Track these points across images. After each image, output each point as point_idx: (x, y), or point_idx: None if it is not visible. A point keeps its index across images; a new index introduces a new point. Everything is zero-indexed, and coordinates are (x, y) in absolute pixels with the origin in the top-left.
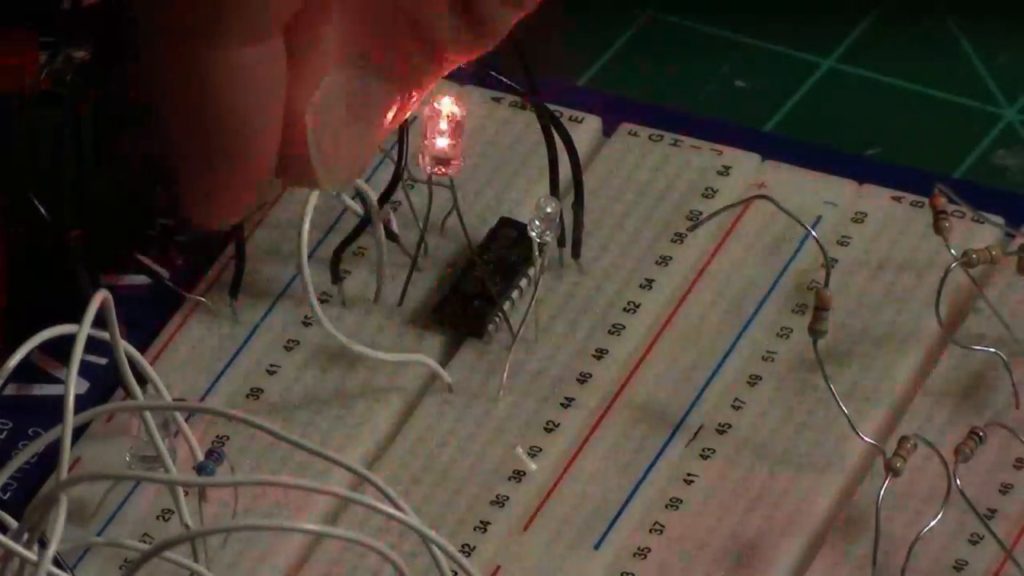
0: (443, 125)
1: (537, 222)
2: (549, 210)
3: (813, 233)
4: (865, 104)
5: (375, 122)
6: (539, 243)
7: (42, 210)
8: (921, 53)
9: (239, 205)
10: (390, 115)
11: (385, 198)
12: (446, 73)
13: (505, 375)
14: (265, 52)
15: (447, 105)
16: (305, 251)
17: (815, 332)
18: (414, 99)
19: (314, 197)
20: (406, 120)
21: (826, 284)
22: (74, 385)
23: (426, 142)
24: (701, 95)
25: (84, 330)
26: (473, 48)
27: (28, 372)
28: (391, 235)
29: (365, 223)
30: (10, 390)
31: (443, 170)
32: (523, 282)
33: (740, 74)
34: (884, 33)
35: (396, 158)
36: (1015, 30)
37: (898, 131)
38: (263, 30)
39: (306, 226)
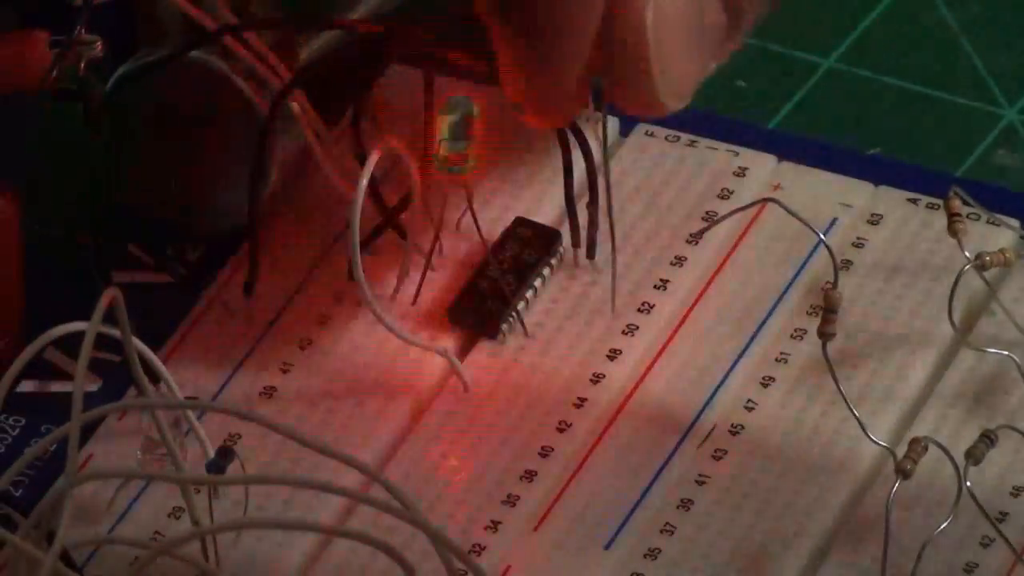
0: (458, 124)
1: None
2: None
3: (821, 237)
4: (865, 104)
5: (710, 46)
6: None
7: (54, 208)
8: (921, 53)
9: (565, 96)
10: (722, 45)
11: (407, 199)
12: (776, 8)
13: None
14: None
15: (463, 103)
16: (359, 204)
17: (824, 335)
18: (743, 31)
19: (379, 148)
20: (431, 119)
21: (835, 286)
22: (83, 382)
23: (441, 140)
24: (702, 95)
25: (93, 328)
26: None
27: (42, 369)
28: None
29: (386, 223)
30: (24, 387)
31: (459, 168)
32: (538, 282)
33: (740, 74)
34: (884, 33)
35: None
36: (1015, 30)
37: (898, 131)
38: None
39: (365, 180)
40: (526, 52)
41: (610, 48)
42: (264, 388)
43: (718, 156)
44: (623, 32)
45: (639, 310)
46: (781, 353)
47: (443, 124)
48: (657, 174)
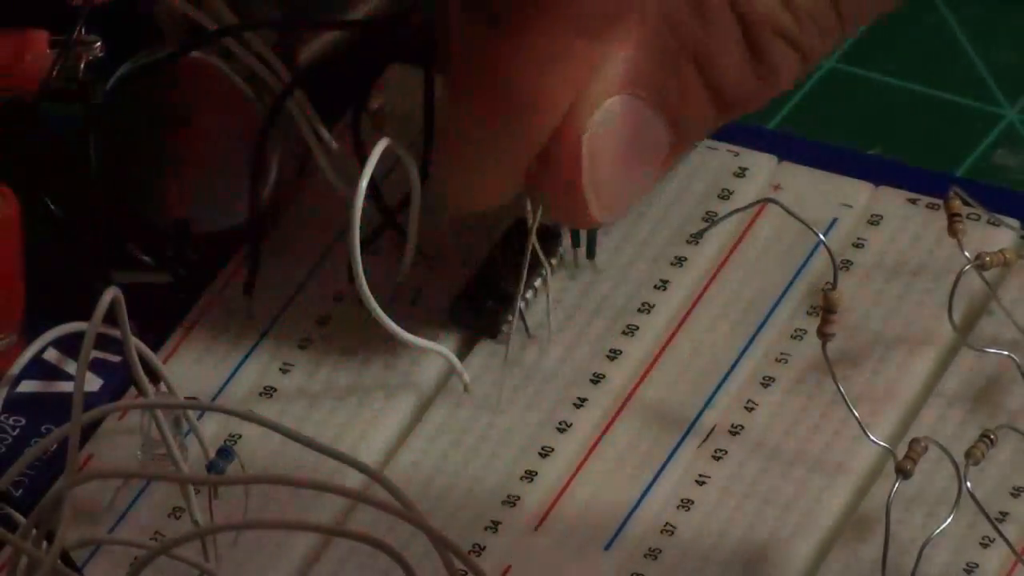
0: None
1: None
2: None
3: (821, 237)
4: (865, 104)
5: (652, 162)
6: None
7: (53, 208)
8: (921, 53)
9: (499, 188)
10: (666, 159)
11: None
12: (725, 122)
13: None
14: (578, 48)
15: None
16: (359, 204)
17: (823, 335)
18: (689, 147)
19: (379, 147)
20: (431, 119)
21: (834, 287)
22: (83, 382)
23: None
24: None
25: (93, 328)
26: (757, 95)
27: (43, 370)
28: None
29: (386, 223)
30: (26, 387)
31: None
32: (537, 282)
33: None
34: (884, 33)
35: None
36: (1015, 30)
37: (898, 131)
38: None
39: (365, 180)
40: (476, 133)
41: (546, 162)
42: (264, 388)
43: (718, 156)
44: (558, 152)
45: (639, 310)
46: (781, 353)
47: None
48: None
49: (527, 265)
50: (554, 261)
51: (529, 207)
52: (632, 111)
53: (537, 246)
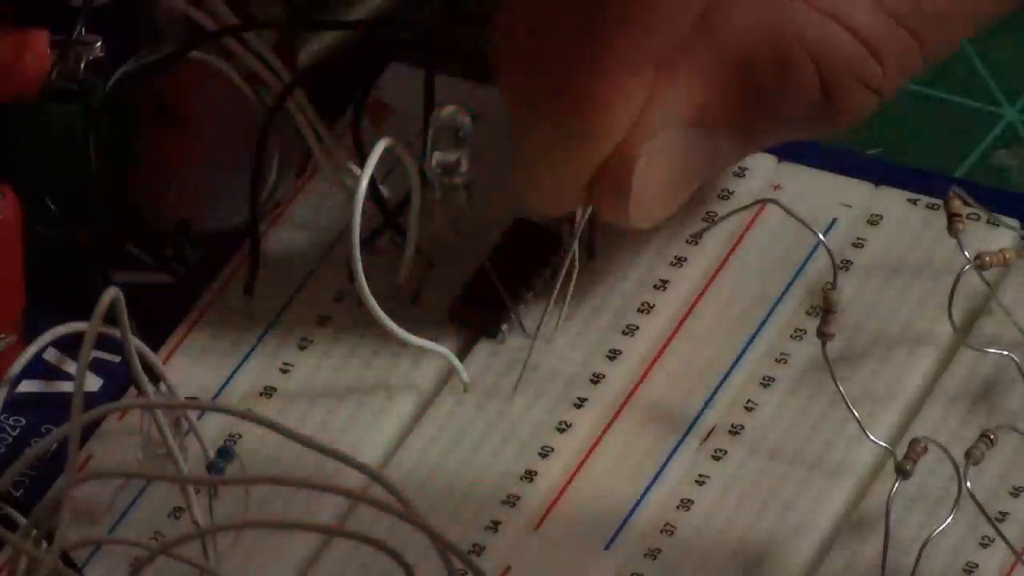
0: (450, 134)
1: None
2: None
3: (821, 238)
4: None
5: (703, 176)
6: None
7: (53, 208)
8: None
9: (564, 195)
10: (718, 174)
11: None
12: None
13: (520, 374)
14: (637, 82)
15: (453, 115)
16: (360, 204)
17: (823, 335)
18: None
19: (379, 147)
20: (428, 120)
21: (834, 287)
22: (83, 382)
23: (433, 152)
24: None
25: (93, 328)
26: (823, 130)
27: (44, 369)
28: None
29: (386, 223)
30: (26, 387)
31: (450, 178)
32: (538, 282)
33: None
34: None
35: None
36: (1015, 30)
37: (898, 131)
38: (643, 63)
39: (365, 180)
40: (542, 146)
41: (601, 175)
42: (264, 388)
43: None
44: (613, 171)
45: (639, 310)
46: (781, 353)
47: (435, 135)
48: None
49: (566, 263)
50: (554, 261)
51: (579, 209)
52: (687, 143)
53: (576, 247)
